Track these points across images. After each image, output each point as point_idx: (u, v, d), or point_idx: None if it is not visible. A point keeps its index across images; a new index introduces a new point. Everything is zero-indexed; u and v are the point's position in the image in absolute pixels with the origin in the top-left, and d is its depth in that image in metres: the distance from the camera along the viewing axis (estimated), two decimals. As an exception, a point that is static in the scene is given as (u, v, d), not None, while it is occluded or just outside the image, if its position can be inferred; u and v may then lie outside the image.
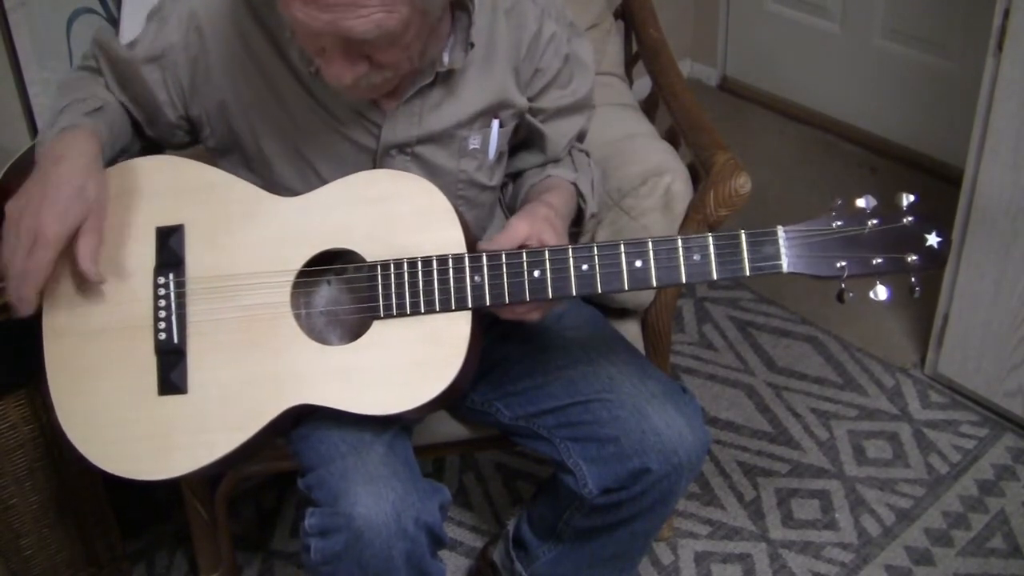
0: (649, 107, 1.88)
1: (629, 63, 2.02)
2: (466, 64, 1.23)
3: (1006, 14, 1.72)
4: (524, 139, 1.38)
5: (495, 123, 1.30)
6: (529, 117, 1.33)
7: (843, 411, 2.07)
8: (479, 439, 1.48)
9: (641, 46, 1.89)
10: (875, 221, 1.09)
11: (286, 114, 1.24)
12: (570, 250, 1.14)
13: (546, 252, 1.14)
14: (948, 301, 2.03)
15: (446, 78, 1.24)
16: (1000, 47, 1.75)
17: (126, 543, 1.75)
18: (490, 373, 1.35)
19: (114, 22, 1.84)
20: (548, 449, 1.33)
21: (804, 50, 2.99)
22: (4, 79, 1.76)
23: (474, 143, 1.29)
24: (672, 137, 1.69)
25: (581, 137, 1.43)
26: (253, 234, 1.20)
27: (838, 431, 2.02)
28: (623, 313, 1.60)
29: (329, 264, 1.21)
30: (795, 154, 2.90)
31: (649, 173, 1.55)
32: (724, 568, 1.77)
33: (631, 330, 1.58)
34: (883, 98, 2.83)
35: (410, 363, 1.17)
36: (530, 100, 1.32)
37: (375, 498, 1.16)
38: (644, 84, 1.91)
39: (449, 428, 1.45)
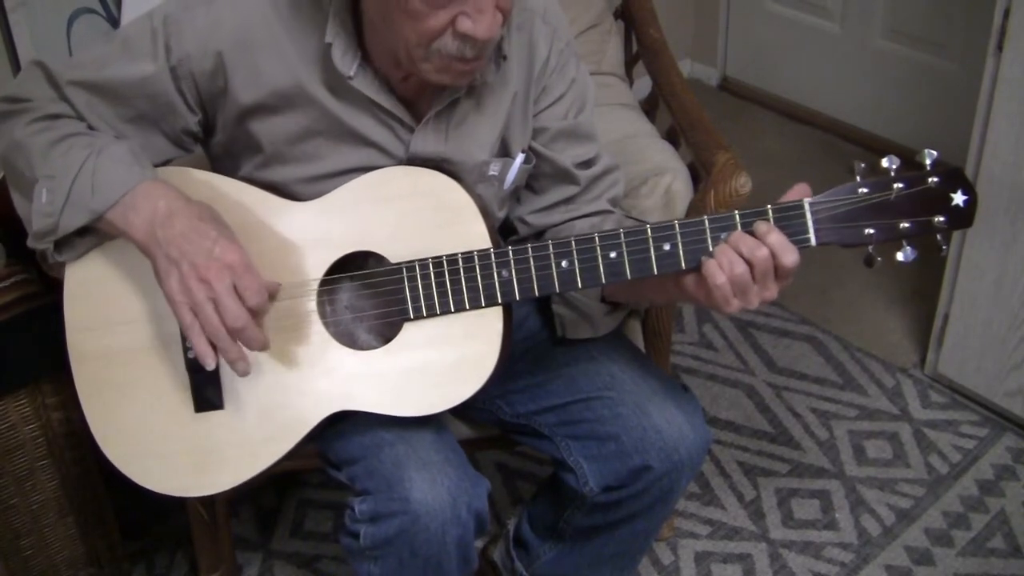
0: (649, 107, 1.88)
1: (629, 63, 2.02)
2: (494, 79, 1.21)
3: (1006, 14, 1.72)
4: (541, 171, 1.32)
5: (520, 156, 1.28)
6: (532, 142, 1.30)
7: (843, 411, 2.07)
8: (480, 439, 1.48)
9: (641, 46, 1.89)
10: (900, 185, 1.06)
11: (311, 121, 1.21)
12: (597, 237, 1.11)
13: (572, 241, 1.12)
14: (948, 301, 2.03)
15: (471, 93, 1.22)
16: (1000, 47, 1.75)
17: (126, 543, 1.75)
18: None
19: (114, 22, 1.85)
20: (549, 447, 1.33)
21: (804, 50, 2.99)
22: (4, 79, 1.76)
23: (493, 170, 1.27)
24: (672, 137, 1.69)
25: (592, 163, 1.33)
26: (274, 241, 1.19)
27: (838, 431, 2.02)
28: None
29: (351, 266, 1.20)
30: (795, 154, 2.90)
31: (649, 173, 1.55)
32: (724, 568, 1.77)
33: (632, 330, 1.58)
34: (883, 98, 2.83)
35: (446, 362, 1.17)
36: (533, 117, 1.29)
37: (431, 483, 1.17)
38: (644, 84, 1.91)
39: (450, 427, 1.45)
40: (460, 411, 1.44)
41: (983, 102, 1.81)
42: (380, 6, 1.08)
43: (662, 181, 1.53)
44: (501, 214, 1.33)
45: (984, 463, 1.94)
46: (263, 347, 1.11)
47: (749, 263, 1.06)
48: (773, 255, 1.06)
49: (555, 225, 1.33)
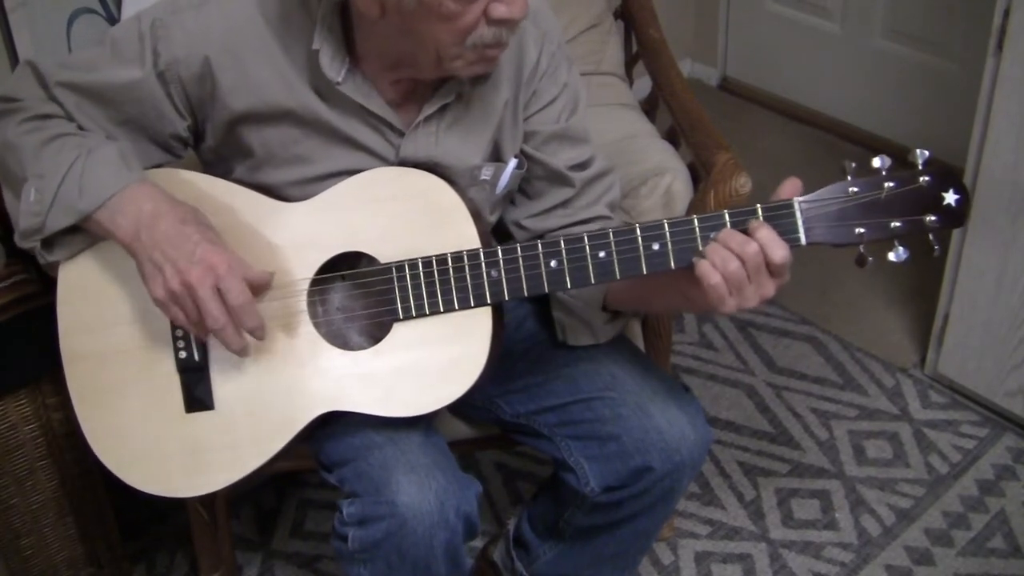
0: (649, 107, 1.88)
1: (629, 63, 2.02)
2: (483, 85, 1.21)
3: (1006, 14, 1.72)
4: (534, 174, 1.32)
5: (513, 161, 1.28)
6: (523, 145, 1.30)
7: (843, 411, 2.07)
8: (480, 439, 1.48)
9: (641, 46, 1.89)
10: (891, 184, 1.06)
11: (302, 126, 1.21)
12: (586, 237, 1.11)
13: (562, 241, 1.12)
14: (948, 301, 2.03)
15: (460, 97, 1.22)
16: (1000, 47, 1.75)
17: (126, 543, 1.75)
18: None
19: (114, 22, 1.84)
20: (549, 447, 1.33)
21: (804, 50, 2.99)
22: (3, 79, 1.75)
23: (485, 174, 1.27)
24: (672, 137, 1.69)
25: (586, 165, 1.33)
26: (263, 242, 1.19)
27: (838, 431, 2.02)
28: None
29: (341, 266, 1.20)
30: (795, 154, 2.90)
31: (649, 173, 1.55)
32: (724, 568, 1.77)
33: (632, 330, 1.58)
34: (883, 98, 2.83)
35: (435, 363, 1.17)
36: (524, 120, 1.29)
37: (418, 487, 1.17)
38: (644, 84, 1.91)
39: (450, 427, 1.45)
40: (460, 410, 1.44)
41: (983, 102, 1.81)
42: (401, 21, 1.08)
43: (662, 181, 1.53)
44: (492, 218, 1.33)
45: (984, 463, 1.94)
46: (242, 346, 1.12)
47: (740, 259, 1.05)
48: (763, 250, 1.05)
49: (552, 231, 1.32)
